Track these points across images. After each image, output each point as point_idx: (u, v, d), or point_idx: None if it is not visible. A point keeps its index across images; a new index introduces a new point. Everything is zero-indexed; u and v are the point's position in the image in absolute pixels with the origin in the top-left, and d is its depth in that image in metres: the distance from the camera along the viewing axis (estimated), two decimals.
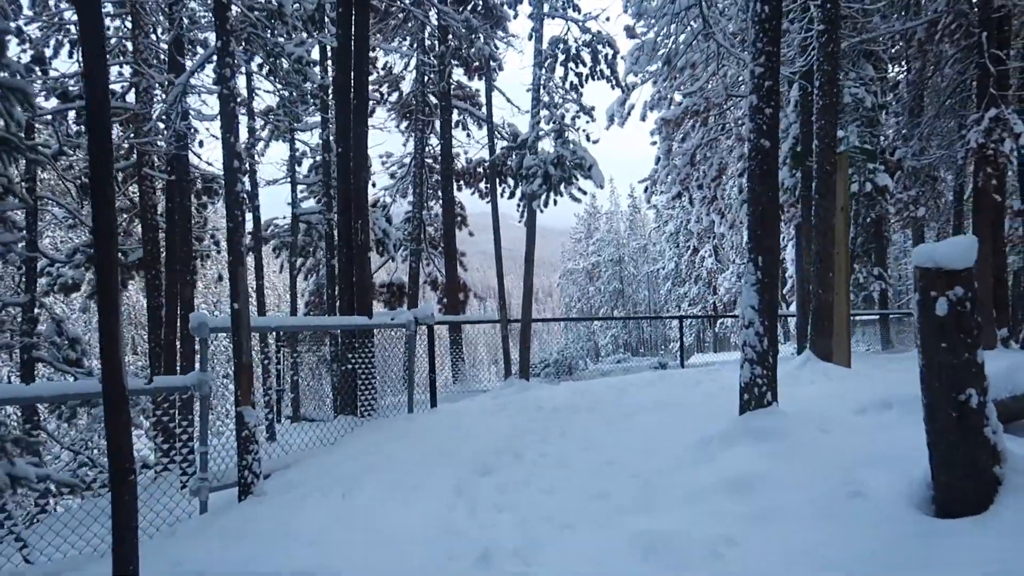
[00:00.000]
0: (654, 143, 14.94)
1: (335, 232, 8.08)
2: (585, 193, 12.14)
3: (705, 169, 14.39)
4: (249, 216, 9.30)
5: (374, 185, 13.34)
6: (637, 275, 67.39)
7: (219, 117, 5.81)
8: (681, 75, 14.55)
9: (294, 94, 9.74)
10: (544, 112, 12.00)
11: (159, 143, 8.08)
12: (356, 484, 5.51)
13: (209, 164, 10.42)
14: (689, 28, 12.63)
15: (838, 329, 9.35)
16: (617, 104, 15.78)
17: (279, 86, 9.56)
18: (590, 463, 5.64)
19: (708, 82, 13.98)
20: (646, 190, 16.37)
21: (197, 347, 6.01)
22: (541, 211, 12.11)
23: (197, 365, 6.16)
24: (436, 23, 13.08)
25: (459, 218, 15.76)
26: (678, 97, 15.60)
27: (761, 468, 4.62)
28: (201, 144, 11.22)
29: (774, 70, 5.87)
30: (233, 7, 6.92)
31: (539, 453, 6.37)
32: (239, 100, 9.27)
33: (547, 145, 11.89)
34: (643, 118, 15.91)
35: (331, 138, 8.65)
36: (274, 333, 8.25)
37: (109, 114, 3.03)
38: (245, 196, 9.22)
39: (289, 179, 10.38)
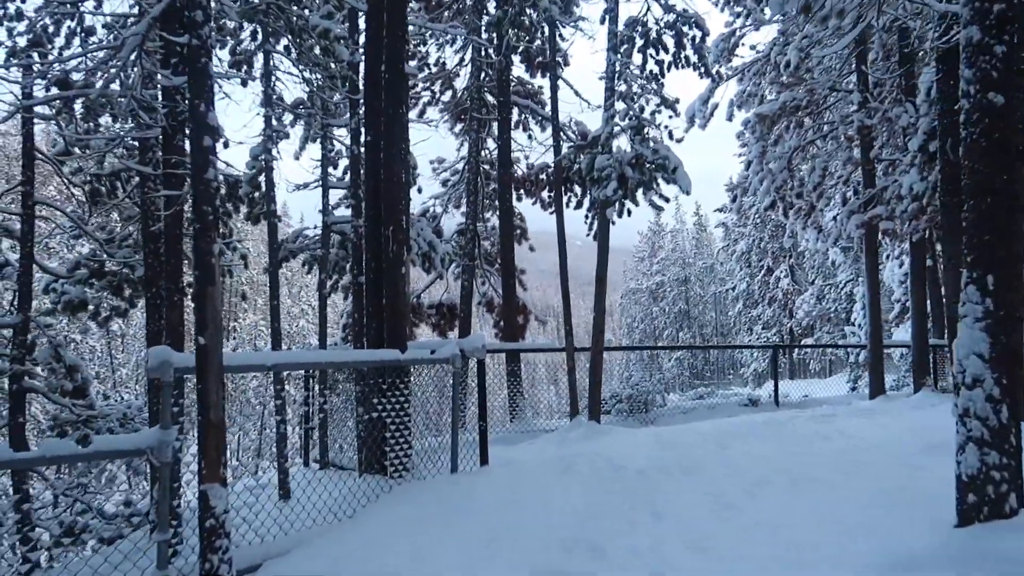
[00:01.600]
0: (743, 146, 12.97)
1: (363, 242, 6.39)
2: (668, 201, 10.27)
3: (805, 174, 12.33)
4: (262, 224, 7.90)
5: (420, 191, 11.81)
6: (704, 295, 64.58)
7: (187, 81, 4.21)
8: (778, 69, 12.57)
9: (321, 78, 8.18)
10: (619, 105, 10.18)
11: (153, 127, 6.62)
12: None
13: (228, 165, 8.90)
14: None
15: None
16: (699, 102, 13.85)
17: (303, 68, 8.01)
18: None
19: (812, 72, 11.98)
20: (734, 199, 14.33)
21: (163, 394, 4.37)
22: (614, 222, 10.28)
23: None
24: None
25: (518, 231, 14.04)
26: (770, 95, 13.61)
27: None
28: (225, 144, 9.71)
29: None
30: None
31: (627, 549, 4.53)
32: (258, 83, 7.75)
33: (623, 143, 10.07)
34: (729, 118, 13.95)
35: (360, 125, 7.02)
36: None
37: None
38: (221, 186, 7.66)
39: (321, 183, 8.79)
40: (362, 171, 6.71)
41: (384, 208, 6.31)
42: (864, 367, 22.79)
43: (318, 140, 9.33)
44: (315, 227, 9.63)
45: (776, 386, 13.03)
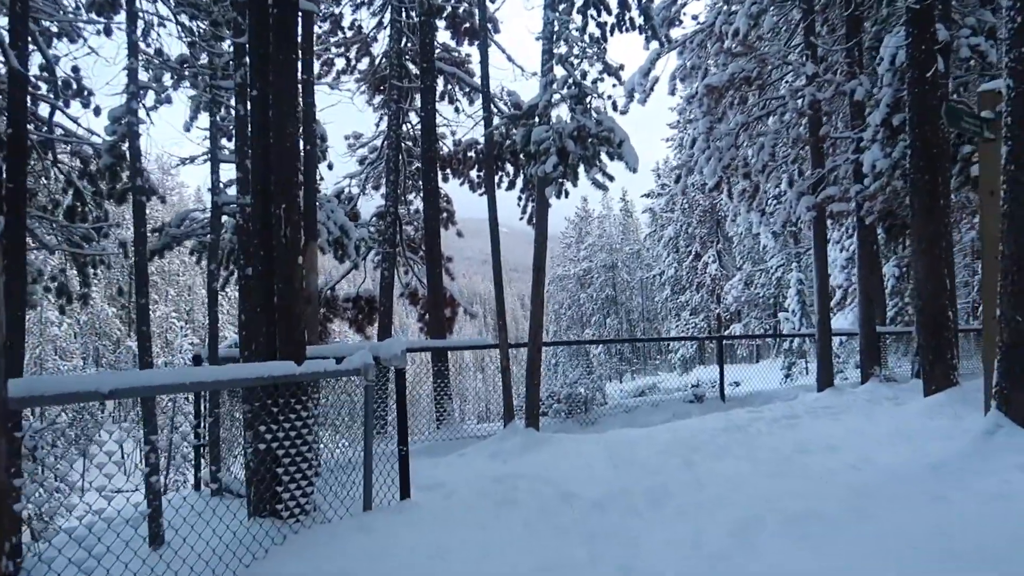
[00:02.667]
0: (689, 122, 12.05)
1: (250, 225, 5.02)
2: (612, 180, 9.18)
3: (753, 153, 11.48)
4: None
5: (331, 167, 10.34)
6: (631, 281, 64.61)
7: None
8: (723, 40, 11.64)
9: (204, 25, 6.71)
10: (559, 71, 9.01)
11: None
12: None
13: (92, 132, 7.31)
14: None
15: None
16: (639, 75, 12.82)
17: (178, 11, 6.52)
18: None
19: (763, 40, 11.13)
20: (677, 180, 13.36)
21: None
22: (550, 204, 9.15)
23: None
24: None
25: (444, 215, 12.72)
26: (714, 68, 12.69)
27: None
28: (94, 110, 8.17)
29: None
30: None
31: None
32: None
33: (563, 114, 8.92)
34: (672, 92, 12.98)
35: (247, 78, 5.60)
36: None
37: None
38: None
39: (210, 155, 7.29)
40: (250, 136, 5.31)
41: (275, 182, 4.94)
42: (797, 354, 22.51)
43: (206, 109, 7.80)
44: (205, 208, 8.12)
45: (722, 380, 12.20)
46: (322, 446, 6.82)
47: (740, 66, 10.87)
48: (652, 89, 13.05)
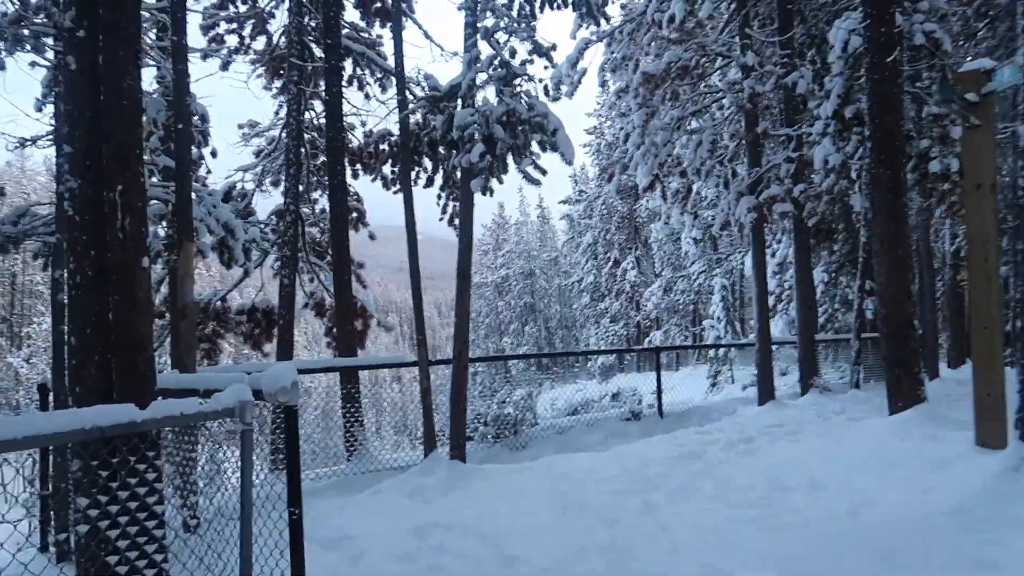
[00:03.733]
0: (622, 115, 11.19)
1: (80, 217, 3.65)
2: (545, 173, 8.09)
3: (690, 150, 10.63)
4: None
5: (214, 154, 8.80)
6: (548, 289, 64.21)
7: None
8: (658, 27, 10.79)
9: None
10: (484, 49, 7.88)
11: None
12: None
13: None
14: None
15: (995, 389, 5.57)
16: (567, 65, 11.84)
17: None
18: None
19: (703, 27, 10.35)
20: (610, 179, 12.33)
21: None
22: (472, 203, 8.03)
23: None
24: None
25: (355, 214, 11.34)
26: (646, 59, 11.85)
27: None
28: None
29: None
30: None
31: None
32: None
33: (489, 96, 7.80)
34: (602, 84, 12.09)
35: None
36: None
37: None
38: None
39: (53, 137, 5.78)
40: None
41: (108, 155, 3.60)
42: (721, 362, 22.10)
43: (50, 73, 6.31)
44: (51, 203, 6.57)
45: (659, 395, 11.31)
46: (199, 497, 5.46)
47: (677, 55, 10.03)
48: (580, 81, 12.10)
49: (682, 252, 31.23)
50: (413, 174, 10.70)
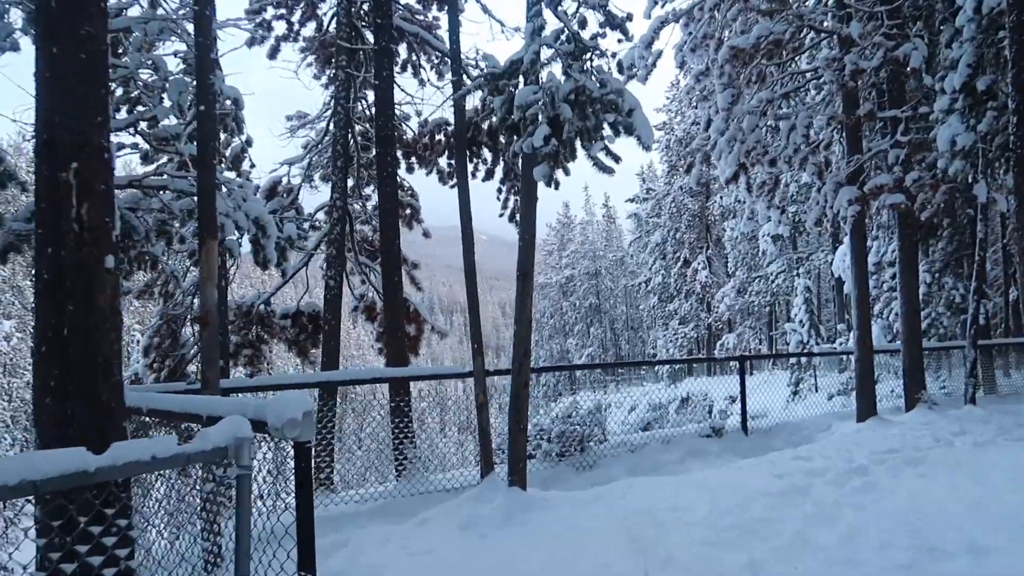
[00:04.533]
0: (704, 98, 10.06)
1: (38, 204, 2.81)
2: (619, 161, 7.08)
3: (782, 135, 9.42)
4: None
5: (249, 143, 7.93)
6: (614, 289, 62.84)
7: None
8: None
9: None
10: (550, 19, 6.92)
11: None
12: None
13: None
14: None
15: None
16: (641, 46, 10.79)
17: None
18: None
19: None
20: (688, 169, 11.18)
21: None
22: (538, 195, 7.08)
23: None
24: None
25: (408, 211, 10.56)
26: (729, 35, 10.69)
27: None
28: None
29: None
30: None
31: None
32: None
33: (555, 72, 6.83)
34: (680, 65, 10.95)
35: None
36: None
37: None
38: None
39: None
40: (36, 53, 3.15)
41: (61, 126, 2.79)
42: (805, 368, 20.55)
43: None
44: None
45: (744, 410, 10.13)
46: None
47: (768, 28, 8.86)
48: (655, 64, 11.04)
49: (759, 251, 29.51)
50: (471, 166, 9.85)
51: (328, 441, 8.00)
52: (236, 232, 5.86)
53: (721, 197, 33.38)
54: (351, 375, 7.07)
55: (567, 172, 9.26)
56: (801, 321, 20.03)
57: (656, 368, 48.53)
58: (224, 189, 5.90)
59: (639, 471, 9.02)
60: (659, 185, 46.11)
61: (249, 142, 8.21)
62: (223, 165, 8.70)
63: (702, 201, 40.17)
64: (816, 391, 20.27)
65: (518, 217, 9.79)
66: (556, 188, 9.50)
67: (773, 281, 28.07)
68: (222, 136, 8.22)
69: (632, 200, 50.87)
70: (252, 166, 8.77)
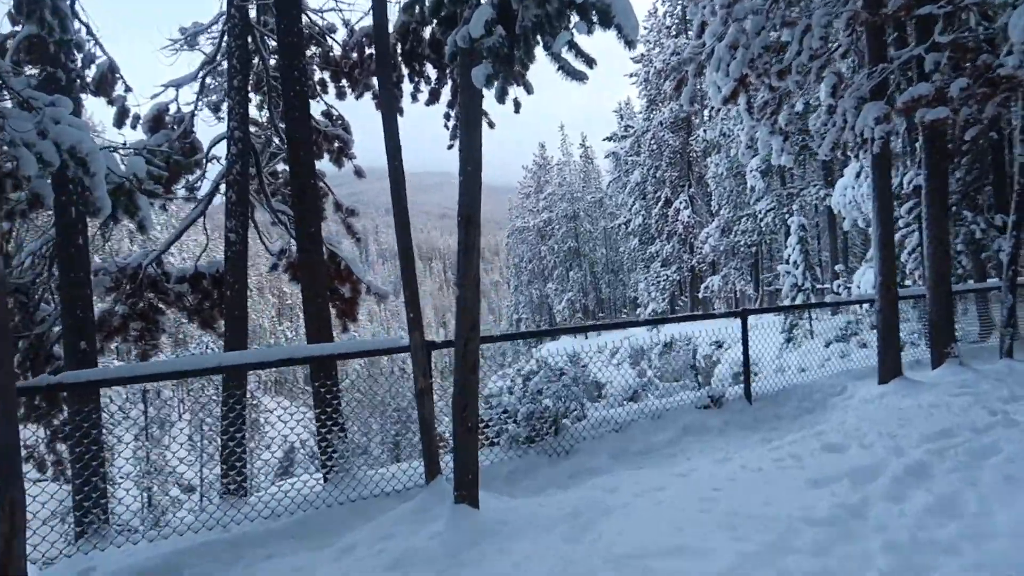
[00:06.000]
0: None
1: None
2: (593, 65, 5.23)
3: (797, 41, 7.57)
4: None
5: (90, 31, 5.95)
6: (593, 232, 61.11)
7: None
8: None
9: None
10: None
11: None
12: None
13: None
14: None
15: None
16: None
17: None
18: None
19: None
20: (678, 86, 9.41)
21: None
22: (485, 114, 5.28)
23: None
24: None
25: (337, 144, 8.58)
26: None
27: None
28: None
29: None
30: None
31: None
32: None
33: None
34: None
35: None
36: None
37: None
38: None
39: None
40: None
41: None
42: (799, 313, 19.05)
43: None
44: None
45: (747, 373, 8.53)
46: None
47: None
48: None
49: (745, 188, 27.70)
50: (411, 86, 7.93)
51: (238, 440, 6.28)
52: (39, 167, 4.04)
53: (705, 131, 31.41)
54: (239, 359, 5.32)
55: (528, 89, 7.39)
56: (795, 262, 18.46)
57: (638, 311, 47.13)
58: (8, 108, 4.03)
59: (626, 457, 7.43)
60: (638, 122, 43.98)
61: (89, 29, 6.16)
62: (88, 91, 6.76)
63: (683, 137, 38.20)
64: (812, 337, 18.84)
65: (459, 132, 7.98)
66: (516, 110, 7.66)
67: (762, 220, 26.41)
68: (78, 56, 6.28)
69: (610, 138, 48.76)
70: (127, 90, 6.83)
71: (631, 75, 42.66)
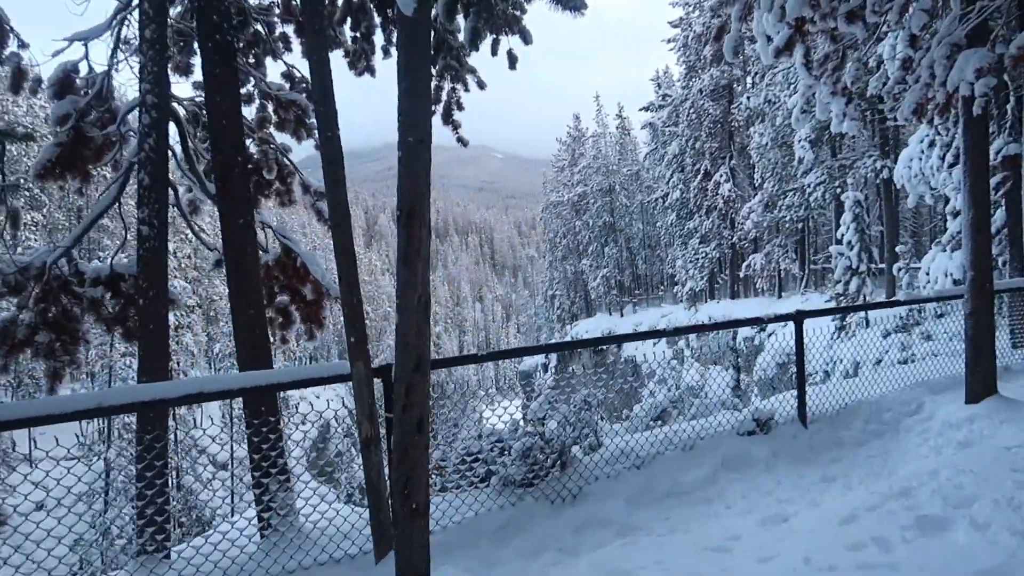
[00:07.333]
0: None
1: None
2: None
3: None
4: None
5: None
6: (630, 206, 58.91)
7: None
8: None
9: None
10: None
11: None
12: None
13: None
14: None
15: None
16: None
17: None
18: None
19: None
20: (719, 34, 7.61)
21: None
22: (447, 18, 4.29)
23: None
24: None
25: (292, 112, 6.97)
26: None
27: None
28: None
29: None
30: None
31: None
32: None
33: None
34: None
35: None
36: None
37: None
38: None
39: None
40: None
41: None
42: (854, 297, 17.20)
43: None
44: None
45: (801, 391, 6.91)
46: None
47: None
48: None
49: (792, 159, 25.51)
50: (382, 37, 6.41)
51: (158, 486, 4.92)
52: None
53: (748, 98, 29.19)
54: (119, 398, 3.93)
55: (525, 37, 5.84)
56: (850, 243, 16.58)
57: (676, 290, 45.20)
58: None
59: (647, 502, 5.93)
60: (676, 90, 41.70)
61: (2, 19, 4.76)
62: None
63: (725, 105, 35.93)
64: (867, 326, 16.99)
65: (453, 117, 6.49)
66: (512, 65, 6.13)
67: (810, 194, 24.27)
68: None
69: (647, 108, 46.52)
70: (22, 45, 5.42)
71: (669, 40, 40.37)
